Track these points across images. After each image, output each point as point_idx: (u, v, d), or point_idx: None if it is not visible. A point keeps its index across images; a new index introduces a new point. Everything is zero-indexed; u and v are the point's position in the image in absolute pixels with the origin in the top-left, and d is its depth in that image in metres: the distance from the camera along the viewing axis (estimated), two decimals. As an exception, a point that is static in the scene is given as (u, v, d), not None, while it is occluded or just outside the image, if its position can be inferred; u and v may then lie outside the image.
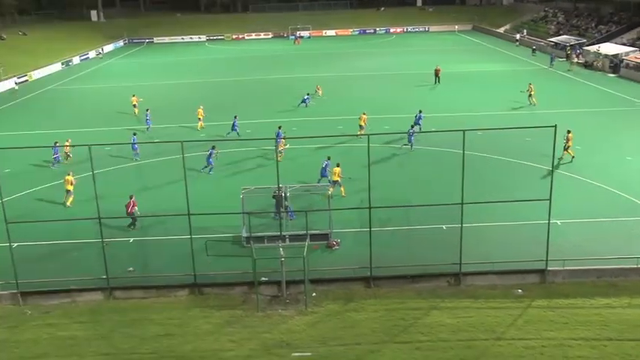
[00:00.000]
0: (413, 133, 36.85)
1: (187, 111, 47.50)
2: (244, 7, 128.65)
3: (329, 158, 30.87)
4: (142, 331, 19.94)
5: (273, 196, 25.99)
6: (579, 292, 21.53)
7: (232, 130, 40.40)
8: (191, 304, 21.70)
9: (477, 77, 61.50)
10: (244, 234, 25.26)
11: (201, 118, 43.54)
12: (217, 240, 24.54)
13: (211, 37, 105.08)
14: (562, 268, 22.42)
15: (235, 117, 41.09)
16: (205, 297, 22.10)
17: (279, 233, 23.20)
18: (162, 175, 33.51)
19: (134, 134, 37.73)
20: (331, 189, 28.49)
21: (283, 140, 35.20)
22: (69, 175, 30.15)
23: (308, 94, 50.69)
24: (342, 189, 29.53)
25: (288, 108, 49.92)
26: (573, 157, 34.20)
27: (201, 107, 44.41)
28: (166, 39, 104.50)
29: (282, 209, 25.14)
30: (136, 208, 27.13)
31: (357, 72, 66.93)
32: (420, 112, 40.46)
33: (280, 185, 24.50)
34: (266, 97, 55.16)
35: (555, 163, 30.17)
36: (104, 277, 22.39)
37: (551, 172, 22.55)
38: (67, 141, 36.39)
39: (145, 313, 21.15)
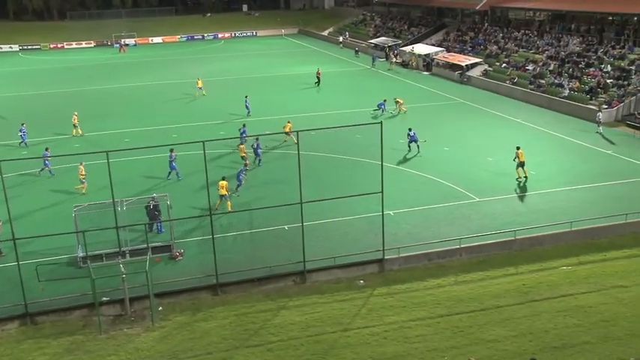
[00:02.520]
0: (414, 134, 36.73)
1: (44, 122, 45.40)
2: (61, 14, 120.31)
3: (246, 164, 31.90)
4: (-37, 377, 18.06)
5: (145, 207, 25.62)
6: (414, 276, 23.19)
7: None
8: (22, 336, 19.99)
9: (310, 79, 63.12)
10: (80, 254, 23.81)
11: (76, 124, 42.32)
12: (50, 263, 22.95)
13: (25, 47, 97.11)
14: (398, 256, 23.97)
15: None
16: (39, 327, 20.46)
17: (118, 249, 22.20)
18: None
19: (46, 148, 34.57)
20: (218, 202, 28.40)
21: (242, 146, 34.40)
22: None
23: (247, 96, 47.88)
24: (228, 203, 28.49)
25: (140, 117, 48.08)
26: (524, 177, 31.93)
27: (76, 114, 43.06)
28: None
29: (152, 220, 25.34)
30: None
31: (202, 78, 65.65)
32: (384, 101, 46.56)
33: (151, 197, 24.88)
34: (110, 107, 52.43)
35: (517, 185, 31.39)
36: None
37: (381, 167, 23.96)
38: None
39: (-34, 355, 19.13)
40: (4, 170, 20.40)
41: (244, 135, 36.55)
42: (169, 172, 33.04)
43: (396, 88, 58.05)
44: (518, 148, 32.10)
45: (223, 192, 28.35)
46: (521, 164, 31.83)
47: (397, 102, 47.69)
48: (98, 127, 44.65)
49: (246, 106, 47.33)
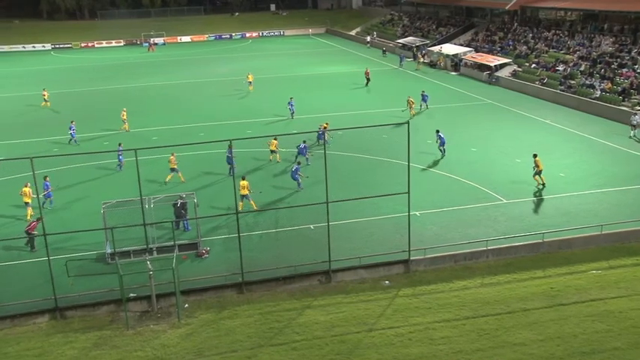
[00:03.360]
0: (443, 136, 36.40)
1: (85, 119, 46.59)
2: (92, 13, 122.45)
3: (299, 163, 31.97)
4: (-5, 368, 18.43)
5: (173, 205, 25.98)
6: (439, 277, 23.01)
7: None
8: (52, 330, 20.34)
9: (337, 78, 63.29)
10: (108, 250, 24.16)
11: (125, 120, 43.53)
12: (79, 259, 23.31)
13: (57, 46, 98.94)
14: (423, 257, 23.81)
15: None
16: (68, 321, 20.80)
17: (145, 246, 22.45)
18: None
19: (120, 144, 35.38)
20: (241, 203, 28.05)
21: (275, 141, 34.92)
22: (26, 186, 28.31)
23: (291, 98, 46.87)
24: (252, 202, 28.46)
25: (191, 114, 48.66)
26: (543, 184, 30.95)
27: (125, 110, 44.41)
28: (5, 47, 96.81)
29: (179, 218, 25.65)
30: (34, 232, 25.20)
31: (231, 77, 66.38)
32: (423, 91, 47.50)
33: (180, 194, 25.49)
34: (145, 104, 53.17)
35: (535, 191, 30.42)
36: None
37: (407, 167, 23.86)
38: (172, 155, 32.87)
39: (-2, 346, 19.50)
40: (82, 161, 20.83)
41: (321, 139, 36.96)
42: (230, 168, 33.25)
43: (423, 89, 57.66)
44: (535, 156, 31.19)
45: (244, 192, 28.30)
46: (539, 172, 30.90)
47: (409, 102, 46.18)
48: (141, 124, 45.39)
49: (290, 108, 46.29)
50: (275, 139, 34.81)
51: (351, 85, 59.39)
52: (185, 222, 26.77)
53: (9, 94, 60.75)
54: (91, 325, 20.44)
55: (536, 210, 28.41)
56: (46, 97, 53.30)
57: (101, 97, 57.20)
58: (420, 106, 47.72)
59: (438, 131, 36.62)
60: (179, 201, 26.07)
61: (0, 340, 19.74)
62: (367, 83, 58.71)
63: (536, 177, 31.08)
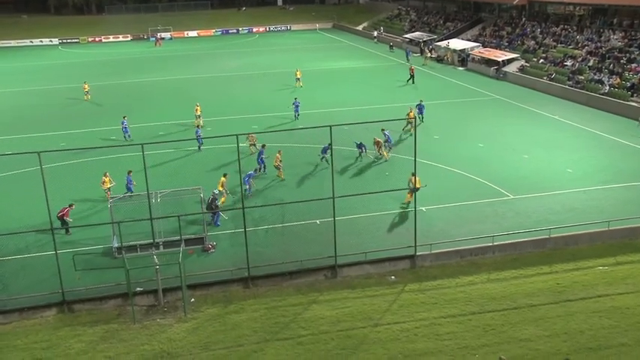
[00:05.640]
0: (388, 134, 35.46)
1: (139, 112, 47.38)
2: (99, 8, 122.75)
3: (255, 170, 32.14)
4: (3, 360, 18.56)
5: (208, 199, 26.33)
6: (445, 273, 23.00)
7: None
8: (60, 323, 20.47)
9: (343, 74, 63.27)
10: (115, 244, 24.26)
11: (200, 115, 43.36)
12: (86, 253, 23.42)
13: (65, 40, 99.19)
14: (429, 252, 23.78)
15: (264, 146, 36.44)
16: (76, 314, 20.93)
17: (151, 241, 22.54)
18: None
19: (197, 126, 39.43)
20: (223, 198, 28.42)
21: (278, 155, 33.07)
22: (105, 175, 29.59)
23: (296, 98, 45.61)
24: (222, 199, 28.49)
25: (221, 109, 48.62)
26: (408, 203, 27.79)
27: (198, 105, 44.21)
28: (12, 42, 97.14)
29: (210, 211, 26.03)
30: (68, 217, 25.69)
31: (243, 71, 66.41)
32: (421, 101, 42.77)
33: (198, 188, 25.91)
34: (163, 100, 53.25)
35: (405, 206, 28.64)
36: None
37: (414, 163, 23.82)
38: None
39: (6, 339, 19.60)
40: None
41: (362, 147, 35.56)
42: (263, 167, 33.20)
43: (430, 83, 57.56)
44: (413, 174, 26.27)
45: (219, 188, 28.34)
46: (414, 190, 26.08)
47: (408, 115, 38.11)
48: (151, 118, 45.12)
49: (295, 109, 44.49)
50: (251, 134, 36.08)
51: (357, 81, 59.25)
52: (216, 217, 26.85)
53: (15, 88, 61.07)
54: (99, 318, 20.56)
55: (542, 206, 28.30)
56: (86, 90, 53.55)
57: (115, 92, 57.17)
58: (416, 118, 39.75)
59: (383, 129, 35.34)
60: (211, 197, 26.29)
61: (9, 333, 19.91)
62: (412, 80, 57.50)
63: (409, 194, 27.53)
